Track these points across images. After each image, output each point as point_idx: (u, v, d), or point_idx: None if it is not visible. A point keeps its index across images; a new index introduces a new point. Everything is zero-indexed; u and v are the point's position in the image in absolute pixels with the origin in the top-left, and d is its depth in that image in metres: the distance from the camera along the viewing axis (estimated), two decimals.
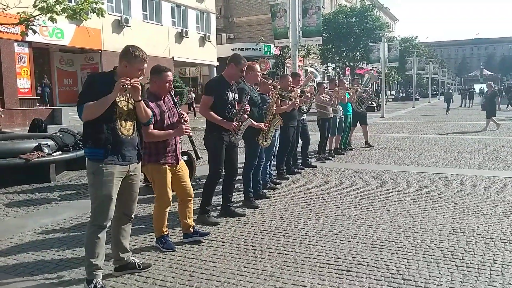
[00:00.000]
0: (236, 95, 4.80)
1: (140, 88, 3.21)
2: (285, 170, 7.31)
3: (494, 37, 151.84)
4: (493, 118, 14.75)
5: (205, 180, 4.97)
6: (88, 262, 3.19)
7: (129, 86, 3.09)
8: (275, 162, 7.08)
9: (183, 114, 3.91)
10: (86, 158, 3.27)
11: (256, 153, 5.53)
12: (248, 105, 4.92)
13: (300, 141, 7.92)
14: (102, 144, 3.12)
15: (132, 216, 3.50)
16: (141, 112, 3.30)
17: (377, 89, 39.39)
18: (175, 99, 3.96)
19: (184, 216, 4.16)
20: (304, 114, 7.79)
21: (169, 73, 3.89)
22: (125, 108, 3.23)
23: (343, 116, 9.43)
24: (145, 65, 3.22)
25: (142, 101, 3.27)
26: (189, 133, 3.94)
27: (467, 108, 31.47)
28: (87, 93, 3.08)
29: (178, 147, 4.00)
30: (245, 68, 4.73)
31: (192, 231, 4.21)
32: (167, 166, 3.89)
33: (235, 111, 4.72)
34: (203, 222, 4.69)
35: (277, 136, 6.36)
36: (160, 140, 3.83)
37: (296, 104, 6.68)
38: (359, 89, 10.41)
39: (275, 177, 6.99)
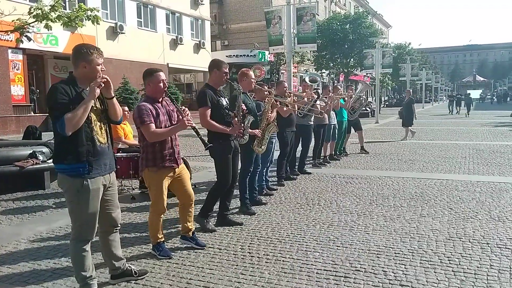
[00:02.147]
0: (227, 99, 4.81)
1: (111, 83, 3.08)
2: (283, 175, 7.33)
3: (487, 43, 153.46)
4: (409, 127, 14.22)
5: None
6: (80, 276, 3.12)
7: (103, 85, 2.98)
8: (272, 169, 7.08)
9: (185, 110, 3.85)
10: (64, 175, 3.00)
11: (252, 159, 5.52)
12: (243, 104, 4.93)
13: (300, 147, 7.96)
14: (84, 157, 2.94)
15: (119, 225, 3.42)
16: (115, 110, 3.17)
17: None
18: (173, 100, 3.94)
19: (184, 220, 4.17)
20: (311, 120, 7.83)
21: (161, 73, 3.87)
22: (96, 112, 3.08)
23: (336, 122, 9.46)
24: (102, 59, 3.05)
25: (114, 97, 3.17)
26: (191, 124, 3.82)
27: (454, 115, 30.64)
28: (61, 104, 2.84)
29: (176, 150, 3.97)
30: (227, 69, 4.73)
31: (191, 235, 4.21)
32: (165, 171, 3.87)
33: (232, 114, 4.74)
34: (200, 226, 4.70)
35: (273, 143, 6.37)
36: (164, 138, 3.81)
37: (294, 110, 6.70)
38: (353, 96, 10.45)
39: (275, 183, 7.01)
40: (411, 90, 16.77)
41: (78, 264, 3.12)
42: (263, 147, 5.54)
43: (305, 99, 7.49)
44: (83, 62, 2.98)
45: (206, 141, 4.01)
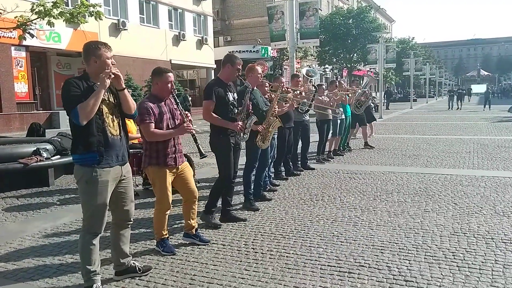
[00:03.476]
0: (235, 94, 4.81)
1: (121, 75, 3.16)
2: (283, 172, 7.32)
3: (491, 37, 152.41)
4: (372, 123, 12.77)
5: (207, 183, 4.93)
6: (85, 270, 3.15)
7: (113, 75, 3.05)
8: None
9: (187, 114, 3.90)
10: (77, 165, 3.12)
11: (256, 155, 5.51)
12: (250, 103, 4.94)
13: (300, 143, 7.94)
14: (95, 147, 3.04)
15: (131, 220, 3.46)
16: (128, 102, 3.22)
17: (387, 90, 39.46)
18: (177, 99, 3.95)
19: (188, 217, 4.18)
20: (307, 115, 7.79)
21: (170, 74, 3.89)
22: (109, 105, 3.16)
23: (344, 117, 9.45)
24: (111, 53, 3.13)
25: (126, 89, 3.22)
26: (191, 131, 3.88)
27: (455, 111, 28.78)
28: (73, 96, 2.97)
29: (178, 149, 3.98)
30: (241, 66, 4.73)
31: (194, 232, 4.22)
32: (167, 169, 3.88)
33: (237, 111, 4.74)
34: (206, 222, 4.72)
35: (275, 138, 6.36)
36: (163, 140, 3.83)
37: (294, 105, 6.67)
38: (359, 91, 10.42)
39: (273, 178, 7.00)
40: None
41: (85, 256, 3.15)
42: (266, 142, 5.51)
43: (303, 93, 7.45)
44: (93, 57, 3.08)
45: (202, 151, 4.01)
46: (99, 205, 3.10)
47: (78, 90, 2.99)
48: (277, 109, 5.70)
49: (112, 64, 3.11)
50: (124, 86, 3.20)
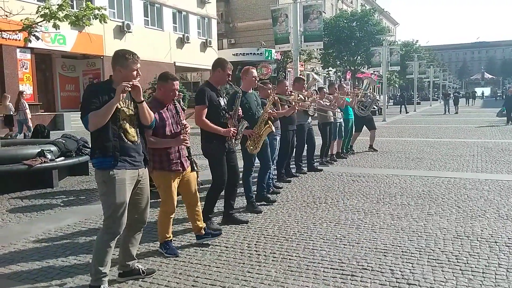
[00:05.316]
0: (225, 99, 4.74)
1: (141, 88, 3.23)
2: (284, 174, 7.33)
3: (495, 40, 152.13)
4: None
5: (210, 185, 4.88)
6: (95, 269, 3.18)
7: (130, 89, 3.10)
8: (275, 166, 7.07)
9: (185, 125, 3.92)
10: (95, 169, 3.24)
11: (252, 158, 5.46)
12: (240, 108, 4.86)
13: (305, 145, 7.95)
14: (110, 152, 3.12)
15: (145, 223, 3.51)
16: (145, 114, 3.30)
17: (401, 94, 39.32)
18: (178, 107, 3.96)
19: (193, 219, 4.20)
20: (310, 118, 7.80)
21: (176, 82, 3.89)
22: (127, 113, 3.23)
23: (342, 120, 9.43)
24: (139, 65, 3.21)
25: (144, 102, 3.28)
26: (187, 144, 3.91)
27: (448, 115, 27.98)
28: (89, 103, 3.05)
29: (182, 154, 3.98)
30: (231, 71, 4.67)
31: (204, 232, 4.24)
32: (172, 174, 3.90)
33: (228, 116, 4.67)
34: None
35: (277, 140, 6.35)
36: (160, 147, 3.84)
37: (297, 108, 6.65)
38: (360, 93, 10.41)
39: (276, 180, 7.00)
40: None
41: (98, 257, 3.19)
42: (257, 147, 5.32)
43: (305, 98, 7.45)
44: (118, 67, 3.17)
45: (195, 166, 4.04)
46: (118, 203, 3.15)
47: (96, 98, 3.06)
48: (269, 113, 5.53)
49: (138, 76, 3.18)
50: (143, 99, 3.26)
